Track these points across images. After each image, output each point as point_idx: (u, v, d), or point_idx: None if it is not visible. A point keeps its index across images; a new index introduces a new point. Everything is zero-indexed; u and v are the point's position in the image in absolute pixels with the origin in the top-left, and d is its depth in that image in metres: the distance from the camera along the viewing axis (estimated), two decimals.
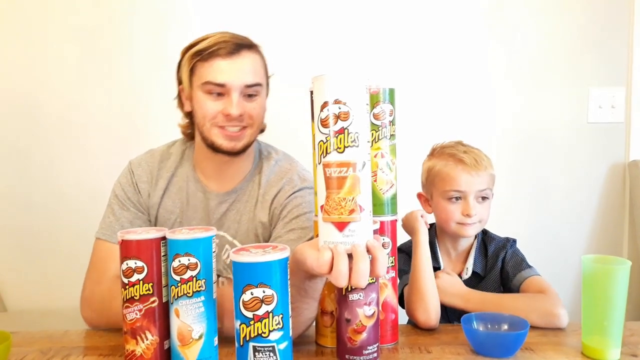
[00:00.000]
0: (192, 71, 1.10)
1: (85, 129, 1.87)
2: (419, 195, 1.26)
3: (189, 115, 1.17)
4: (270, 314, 0.64)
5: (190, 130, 1.20)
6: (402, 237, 1.10)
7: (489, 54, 1.87)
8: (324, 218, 0.67)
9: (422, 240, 1.06)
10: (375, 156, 0.92)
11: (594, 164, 1.90)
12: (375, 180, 0.93)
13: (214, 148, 1.10)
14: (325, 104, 0.66)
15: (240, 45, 1.08)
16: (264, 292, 0.64)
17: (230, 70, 1.06)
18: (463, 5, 1.85)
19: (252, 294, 0.64)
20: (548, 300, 1.03)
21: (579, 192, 1.90)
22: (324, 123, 0.66)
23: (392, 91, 0.92)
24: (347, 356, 0.86)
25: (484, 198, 1.17)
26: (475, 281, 1.19)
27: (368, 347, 0.86)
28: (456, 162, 1.16)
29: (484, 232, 1.24)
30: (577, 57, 1.88)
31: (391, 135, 0.93)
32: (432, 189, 1.21)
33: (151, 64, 1.81)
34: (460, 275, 1.19)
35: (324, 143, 0.67)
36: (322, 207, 0.67)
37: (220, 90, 1.07)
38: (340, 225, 0.65)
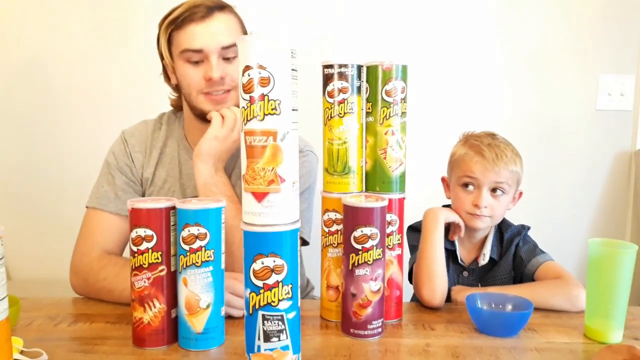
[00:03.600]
0: (169, 42, 1.11)
1: (92, 100, 1.86)
2: (443, 179, 1.25)
3: (177, 88, 1.19)
4: (280, 284, 0.65)
5: (180, 102, 1.21)
6: (409, 217, 1.10)
7: (498, 39, 1.85)
8: (244, 188, 0.66)
9: (436, 236, 1.07)
10: (385, 133, 0.92)
11: (600, 151, 1.89)
12: (384, 158, 0.92)
13: (202, 117, 1.11)
14: (247, 68, 0.64)
15: (211, 8, 1.08)
16: (274, 261, 0.64)
17: (204, 34, 1.06)
18: None
19: (262, 263, 0.65)
20: (568, 283, 1.04)
21: (584, 178, 1.90)
22: (245, 88, 0.64)
23: (404, 68, 0.91)
24: (351, 330, 0.87)
25: (497, 191, 1.14)
26: (489, 266, 1.20)
27: (373, 322, 0.87)
28: (475, 153, 1.14)
29: (500, 220, 1.22)
30: (587, 43, 1.85)
31: (402, 112, 0.92)
32: (451, 174, 1.21)
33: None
34: (477, 261, 1.20)
35: (245, 109, 0.65)
36: (243, 176, 0.66)
37: (198, 57, 1.07)
38: (259, 196, 0.65)
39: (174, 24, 1.08)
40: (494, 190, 1.14)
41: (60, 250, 1.87)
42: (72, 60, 1.85)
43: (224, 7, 1.10)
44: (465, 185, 1.15)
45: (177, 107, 1.24)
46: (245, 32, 1.16)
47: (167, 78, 1.19)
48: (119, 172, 1.16)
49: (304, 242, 1.16)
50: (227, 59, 1.09)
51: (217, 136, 1.05)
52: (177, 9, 1.09)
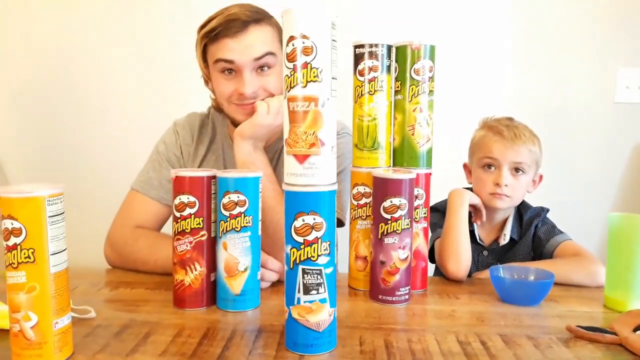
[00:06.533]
0: (204, 51, 1.12)
1: (119, 90, 1.93)
2: (464, 166, 1.29)
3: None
4: (319, 240, 0.69)
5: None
6: (435, 193, 1.14)
7: (518, 30, 1.88)
8: (287, 151, 0.71)
9: (463, 212, 1.10)
10: (413, 110, 0.96)
11: (618, 143, 1.91)
12: (412, 134, 0.97)
13: (235, 125, 1.12)
14: (291, 38, 0.68)
15: (247, 22, 1.05)
16: (314, 219, 0.69)
17: (237, 49, 1.05)
18: None
19: (303, 221, 0.69)
20: (588, 260, 1.08)
21: (600, 170, 1.92)
22: (289, 57, 0.69)
23: (432, 48, 0.96)
24: (380, 296, 0.91)
25: (518, 170, 1.18)
26: (509, 246, 1.23)
27: (400, 289, 0.91)
28: (494, 134, 1.19)
29: (520, 202, 1.26)
30: (606, 36, 1.88)
31: (430, 91, 0.97)
32: (472, 158, 1.25)
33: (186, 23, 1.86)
34: (497, 241, 1.24)
35: (289, 77, 0.69)
36: (285, 140, 0.71)
37: (231, 67, 1.07)
38: (301, 158, 0.69)
39: (208, 37, 1.07)
40: (515, 170, 1.17)
41: (92, 233, 1.95)
42: (97, 50, 1.92)
43: (260, 20, 1.08)
44: (487, 166, 1.19)
45: (219, 109, 1.24)
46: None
47: (207, 82, 1.20)
48: (167, 162, 1.21)
49: (340, 223, 1.16)
50: (261, 70, 1.08)
51: (262, 124, 1.05)
52: (213, 20, 1.07)
